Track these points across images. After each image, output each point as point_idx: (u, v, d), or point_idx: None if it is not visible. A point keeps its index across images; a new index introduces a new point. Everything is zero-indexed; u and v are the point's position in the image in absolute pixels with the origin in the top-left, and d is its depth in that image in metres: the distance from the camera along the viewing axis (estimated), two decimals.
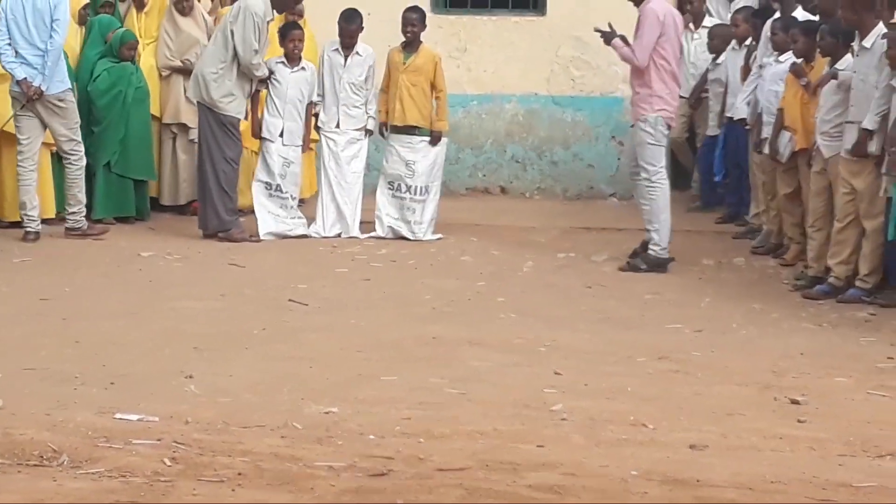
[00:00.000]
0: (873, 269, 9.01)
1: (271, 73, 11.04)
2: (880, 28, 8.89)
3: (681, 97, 12.20)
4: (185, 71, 11.80)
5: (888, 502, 5.19)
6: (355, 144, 11.37)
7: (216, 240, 10.85)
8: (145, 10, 12.08)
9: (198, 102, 11.01)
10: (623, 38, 9.93)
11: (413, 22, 11.30)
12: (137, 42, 11.49)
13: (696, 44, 12.83)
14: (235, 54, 10.79)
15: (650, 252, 10.04)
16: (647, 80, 9.84)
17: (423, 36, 11.39)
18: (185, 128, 11.97)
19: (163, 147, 12.10)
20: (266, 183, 11.15)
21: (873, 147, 8.79)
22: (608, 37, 10.03)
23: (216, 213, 10.91)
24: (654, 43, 9.73)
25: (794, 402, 6.50)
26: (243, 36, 10.75)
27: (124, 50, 11.42)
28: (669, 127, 10.00)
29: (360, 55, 11.31)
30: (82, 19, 11.67)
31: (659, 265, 9.99)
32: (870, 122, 8.78)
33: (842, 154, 9.09)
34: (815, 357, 7.51)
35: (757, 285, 9.73)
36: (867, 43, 8.91)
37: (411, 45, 11.32)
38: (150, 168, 11.77)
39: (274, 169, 11.12)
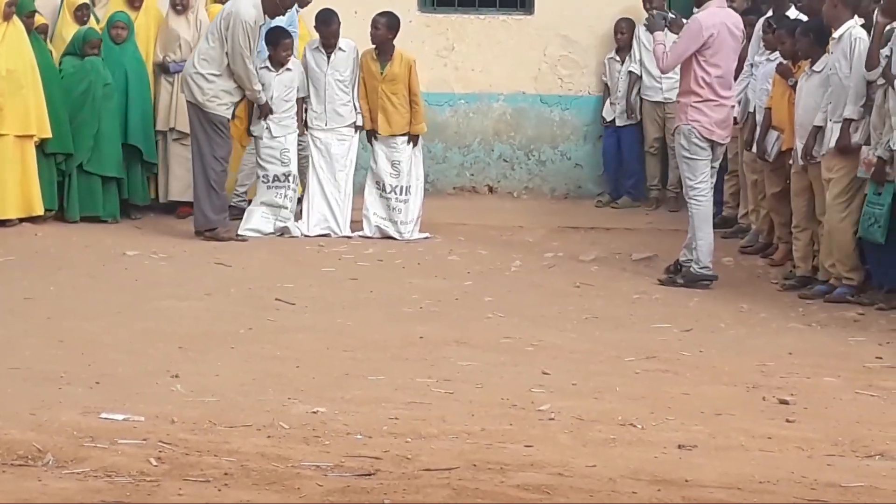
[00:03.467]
0: (854, 266, 8.99)
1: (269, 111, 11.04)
2: (853, 21, 8.93)
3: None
4: (166, 69, 11.79)
5: (877, 502, 5.18)
6: (345, 142, 11.30)
7: (202, 238, 10.81)
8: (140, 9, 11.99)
9: (188, 102, 10.97)
10: (677, 23, 9.66)
11: (377, 25, 11.07)
12: (101, 40, 11.45)
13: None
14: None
15: (691, 269, 9.54)
16: (685, 89, 9.49)
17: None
18: (181, 132, 11.82)
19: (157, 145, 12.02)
20: (263, 175, 11.11)
21: (857, 137, 8.80)
22: (653, 25, 9.71)
23: (203, 212, 10.88)
24: (687, 54, 9.35)
25: (783, 401, 6.50)
26: (233, 45, 10.71)
27: (87, 48, 11.40)
28: (712, 142, 9.45)
29: (344, 50, 11.21)
30: (79, 20, 11.66)
31: (697, 281, 9.50)
32: (853, 112, 8.79)
33: (817, 151, 9.10)
34: (803, 357, 7.51)
35: (745, 285, 9.73)
36: (836, 35, 8.95)
37: (383, 51, 11.16)
38: (120, 165, 11.57)
39: (267, 158, 11.04)
